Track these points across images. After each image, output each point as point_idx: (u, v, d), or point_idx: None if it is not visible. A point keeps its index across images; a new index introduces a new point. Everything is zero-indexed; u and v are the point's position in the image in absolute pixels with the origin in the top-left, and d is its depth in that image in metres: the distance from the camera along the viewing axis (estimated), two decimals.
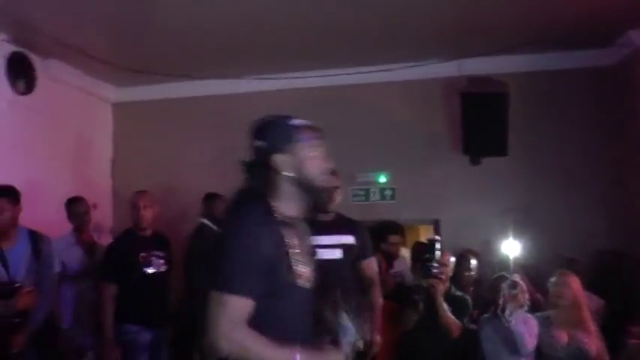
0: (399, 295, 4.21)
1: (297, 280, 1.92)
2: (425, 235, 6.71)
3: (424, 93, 6.13)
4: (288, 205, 1.96)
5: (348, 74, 6.11)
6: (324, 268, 3.35)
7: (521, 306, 3.81)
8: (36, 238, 3.90)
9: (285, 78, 6.13)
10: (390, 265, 4.78)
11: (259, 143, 1.94)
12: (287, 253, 1.90)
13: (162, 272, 4.49)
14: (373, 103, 6.22)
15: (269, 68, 6.09)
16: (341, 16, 4.89)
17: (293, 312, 1.92)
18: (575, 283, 3.97)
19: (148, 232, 4.56)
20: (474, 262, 4.76)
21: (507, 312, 3.76)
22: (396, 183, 6.20)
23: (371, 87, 6.16)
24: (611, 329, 4.23)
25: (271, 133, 1.95)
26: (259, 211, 1.90)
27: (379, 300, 3.73)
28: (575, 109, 5.90)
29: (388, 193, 6.20)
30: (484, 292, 4.54)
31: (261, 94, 6.17)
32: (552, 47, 5.59)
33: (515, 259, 5.14)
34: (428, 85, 6.08)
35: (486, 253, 5.43)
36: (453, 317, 3.82)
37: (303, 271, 1.95)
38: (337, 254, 3.50)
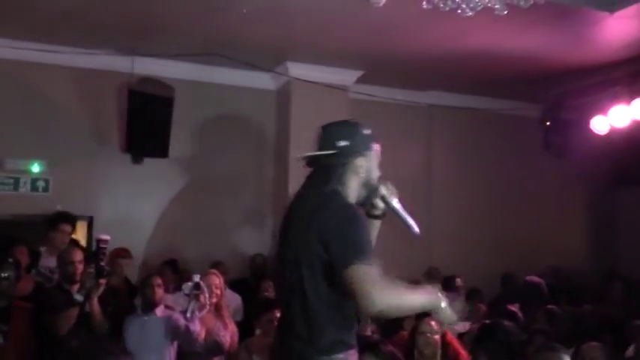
0: (44, 296, 3.99)
1: None
2: (82, 231, 6.41)
3: (93, 83, 5.88)
4: (352, 200, 2.21)
5: (6, 47, 5.49)
6: None
7: (204, 306, 3.98)
8: None
9: None
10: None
11: (344, 143, 2.16)
12: None
13: None
14: (34, 85, 5.71)
15: None
16: None
17: None
18: (218, 280, 4.33)
19: None
20: (125, 261, 4.82)
21: (190, 310, 3.90)
22: (51, 174, 5.77)
23: (33, 66, 5.64)
24: None
25: (356, 136, 2.20)
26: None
27: None
28: (239, 124, 6.39)
29: (41, 184, 5.75)
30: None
31: None
32: (221, 62, 5.84)
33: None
34: (98, 76, 5.86)
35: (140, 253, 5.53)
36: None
37: None
38: None
